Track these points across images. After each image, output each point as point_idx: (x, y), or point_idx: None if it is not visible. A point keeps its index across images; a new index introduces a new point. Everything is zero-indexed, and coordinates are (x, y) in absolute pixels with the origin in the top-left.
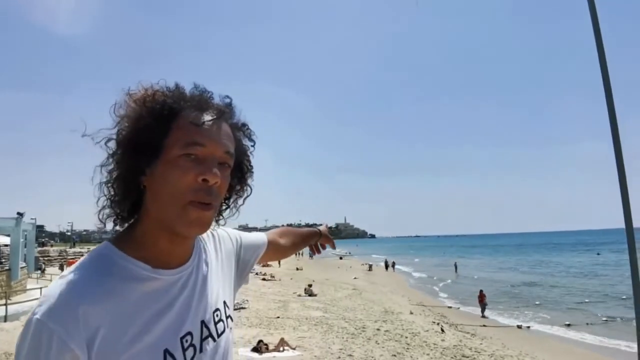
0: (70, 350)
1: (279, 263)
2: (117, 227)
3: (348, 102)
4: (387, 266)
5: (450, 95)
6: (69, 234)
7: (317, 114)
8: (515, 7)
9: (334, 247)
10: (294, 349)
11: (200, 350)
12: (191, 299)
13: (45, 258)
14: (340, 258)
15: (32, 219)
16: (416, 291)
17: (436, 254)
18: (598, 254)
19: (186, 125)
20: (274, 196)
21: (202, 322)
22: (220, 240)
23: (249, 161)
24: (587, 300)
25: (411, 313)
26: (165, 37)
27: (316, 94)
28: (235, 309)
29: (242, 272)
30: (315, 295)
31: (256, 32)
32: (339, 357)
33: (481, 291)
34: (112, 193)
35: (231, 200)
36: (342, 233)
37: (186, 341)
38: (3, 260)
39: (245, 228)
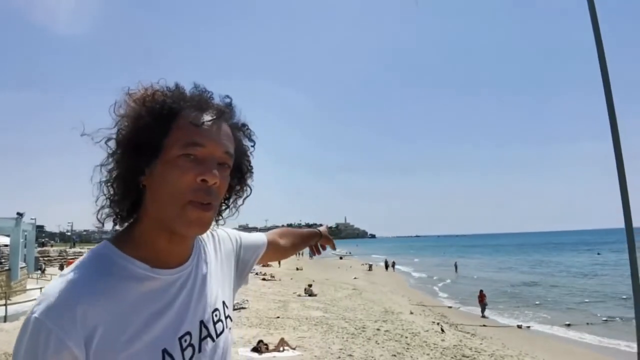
0: (67, 348)
1: (279, 263)
2: (117, 227)
3: (348, 101)
4: (387, 266)
5: (450, 94)
6: (69, 234)
7: (317, 113)
8: (515, 5)
9: (334, 248)
10: (294, 349)
11: (199, 350)
12: (190, 299)
13: (45, 258)
14: (340, 258)
15: (32, 219)
16: (416, 291)
17: (436, 254)
18: (598, 253)
19: (186, 126)
20: (274, 196)
21: (201, 322)
22: (219, 241)
23: (249, 161)
24: (587, 300)
25: (411, 313)
26: (165, 36)
27: (316, 93)
28: (235, 309)
29: (241, 272)
30: (315, 295)
31: (256, 31)
32: (339, 357)
33: (481, 291)
34: (112, 192)
35: (231, 200)
36: (342, 233)
37: (185, 341)
38: (3, 261)
39: (245, 228)
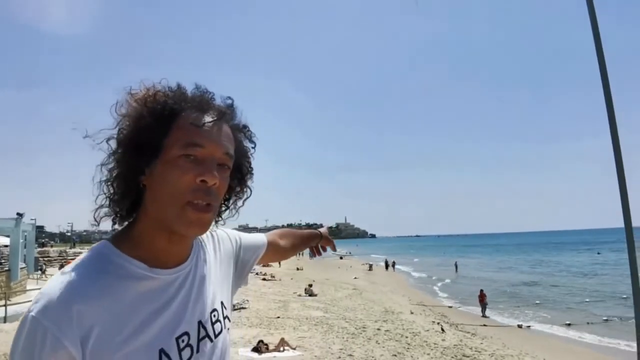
0: (64, 347)
1: (279, 263)
2: (116, 226)
3: (348, 100)
4: (387, 266)
5: (450, 92)
6: (69, 234)
7: (317, 112)
8: (515, 3)
9: (334, 249)
10: (294, 349)
11: (197, 351)
12: (188, 299)
13: (45, 259)
14: (341, 258)
15: (31, 219)
16: (416, 291)
17: (436, 254)
18: (598, 253)
19: (186, 126)
20: (274, 196)
21: (199, 322)
22: (219, 241)
23: (249, 163)
24: (587, 300)
25: (411, 313)
26: (164, 35)
27: (316, 92)
28: (235, 309)
29: (240, 272)
30: (316, 295)
31: (256, 30)
32: (339, 357)
33: (481, 291)
34: (112, 191)
35: (231, 201)
36: (342, 233)
37: (182, 341)
38: (3, 261)
39: (245, 228)
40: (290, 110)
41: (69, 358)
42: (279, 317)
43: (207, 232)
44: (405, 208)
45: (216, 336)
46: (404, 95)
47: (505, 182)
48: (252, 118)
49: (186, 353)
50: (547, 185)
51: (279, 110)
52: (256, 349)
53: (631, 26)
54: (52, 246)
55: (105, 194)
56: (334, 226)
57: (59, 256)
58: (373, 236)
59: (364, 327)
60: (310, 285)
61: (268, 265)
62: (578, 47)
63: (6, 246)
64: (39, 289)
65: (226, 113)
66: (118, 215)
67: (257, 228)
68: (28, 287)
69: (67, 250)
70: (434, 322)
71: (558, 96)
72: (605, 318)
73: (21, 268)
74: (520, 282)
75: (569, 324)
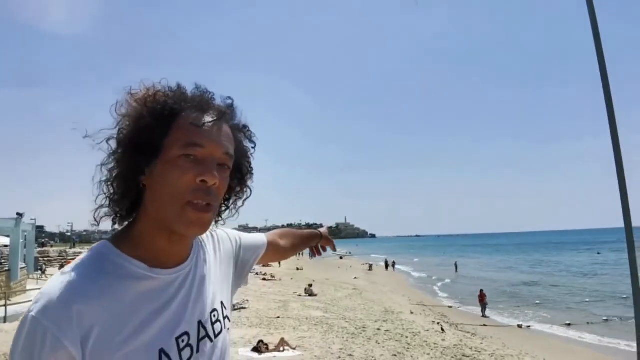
0: (64, 347)
1: (279, 263)
2: (116, 226)
3: (348, 99)
4: (387, 266)
5: (449, 91)
6: (69, 234)
7: (317, 111)
8: (515, 3)
9: (334, 249)
10: (294, 349)
11: (197, 351)
12: (188, 299)
13: (45, 259)
14: (341, 258)
15: (31, 219)
16: (416, 291)
17: (436, 254)
18: (598, 253)
19: (186, 126)
20: (274, 196)
21: (199, 322)
22: (219, 241)
23: (249, 163)
24: (587, 300)
25: (411, 313)
26: (163, 33)
27: (316, 91)
28: (235, 309)
29: (240, 272)
30: (316, 295)
31: (255, 28)
32: (340, 357)
33: (481, 291)
34: (112, 191)
35: (231, 201)
36: (342, 233)
37: (182, 341)
38: (3, 261)
39: (245, 228)
40: (290, 110)
41: (69, 358)
42: (279, 317)
43: (207, 232)
44: (405, 208)
45: (216, 336)
46: (404, 94)
47: (505, 182)
48: (252, 118)
49: (186, 353)
50: (547, 185)
51: (279, 110)
52: (256, 349)
53: (631, 26)
54: (52, 246)
55: (105, 193)
56: (334, 226)
57: (59, 256)
58: (373, 236)
59: (364, 327)
60: (310, 285)
61: (268, 265)
62: (578, 47)
63: (6, 246)
64: (39, 289)
65: (226, 113)
66: (118, 215)
67: (257, 228)
68: (28, 287)
69: (67, 250)
70: (434, 322)
71: (558, 96)
72: (605, 318)
73: (21, 268)
74: (520, 282)
75: (569, 324)
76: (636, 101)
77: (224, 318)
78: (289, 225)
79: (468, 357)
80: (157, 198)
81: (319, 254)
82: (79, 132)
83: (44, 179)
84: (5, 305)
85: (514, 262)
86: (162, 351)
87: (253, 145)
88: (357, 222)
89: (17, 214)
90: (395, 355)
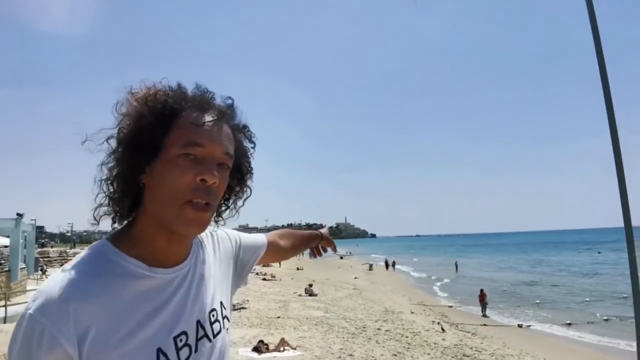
0: (61, 346)
1: (279, 263)
2: (115, 225)
3: (348, 99)
4: (387, 266)
5: (449, 91)
6: (69, 234)
7: (317, 111)
8: (515, 2)
9: (335, 250)
10: (294, 348)
11: (196, 350)
12: (187, 299)
13: (45, 259)
14: (341, 258)
15: (31, 219)
16: (417, 291)
17: (436, 254)
18: (599, 252)
19: (186, 125)
20: (274, 196)
21: (198, 322)
22: (219, 241)
23: (249, 163)
24: (587, 300)
25: (412, 312)
26: (163, 33)
27: (316, 91)
28: (235, 309)
29: (240, 273)
30: (316, 295)
31: (255, 28)
32: (340, 357)
33: (482, 290)
34: (112, 190)
35: (230, 201)
36: (342, 233)
37: (180, 341)
38: (3, 262)
39: (245, 228)
40: (291, 110)
41: (66, 356)
42: (279, 317)
43: (207, 232)
44: (405, 208)
45: (215, 336)
46: (404, 94)
47: (505, 181)
48: (252, 118)
49: (184, 352)
50: (546, 184)
51: (279, 110)
52: (256, 349)
53: (631, 25)
54: (52, 246)
55: (105, 192)
56: (334, 226)
57: (59, 256)
58: (373, 236)
59: (364, 327)
60: (311, 285)
61: (268, 265)
62: (578, 47)
63: (6, 246)
64: None
65: (226, 113)
66: (118, 214)
67: (257, 228)
68: (28, 288)
69: (67, 250)
70: (434, 321)
71: (558, 95)
72: (605, 318)
73: (21, 268)
74: (521, 282)
75: (569, 324)
76: (636, 101)
77: (223, 318)
78: (289, 226)
79: (468, 356)
80: (156, 197)
81: (320, 254)
82: (80, 136)
83: (43, 179)
84: (5, 306)
85: (514, 262)
86: (159, 350)
87: (253, 145)
88: (357, 222)
89: (17, 214)
90: (395, 355)
